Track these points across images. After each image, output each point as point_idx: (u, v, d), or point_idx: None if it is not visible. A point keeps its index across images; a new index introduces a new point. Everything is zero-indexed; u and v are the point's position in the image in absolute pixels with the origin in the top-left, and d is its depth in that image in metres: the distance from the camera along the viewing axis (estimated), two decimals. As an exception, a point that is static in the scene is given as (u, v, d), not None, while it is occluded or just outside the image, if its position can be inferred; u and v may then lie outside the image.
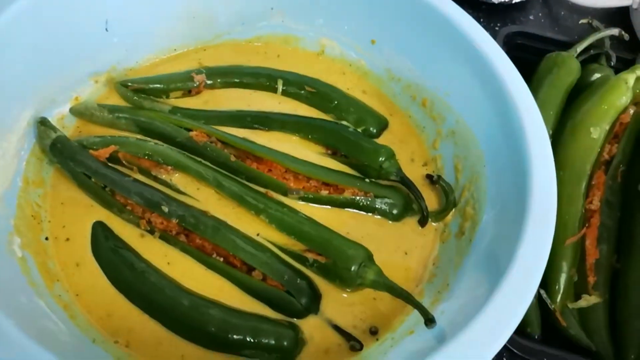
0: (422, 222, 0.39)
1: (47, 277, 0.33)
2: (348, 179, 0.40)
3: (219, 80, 0.45)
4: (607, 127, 0.43)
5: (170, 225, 0.36)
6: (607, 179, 0.43)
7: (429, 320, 0.30)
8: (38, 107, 0.38)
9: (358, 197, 0.39)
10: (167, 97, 0.44)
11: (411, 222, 0.40)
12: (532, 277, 0.29)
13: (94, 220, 0.37)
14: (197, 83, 0.44)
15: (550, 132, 0.44)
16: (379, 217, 0.39)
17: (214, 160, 0.40)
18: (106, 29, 0.42)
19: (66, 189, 0.38)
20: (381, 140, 0.44)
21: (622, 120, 0.44)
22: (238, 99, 0.45)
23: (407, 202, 0.40)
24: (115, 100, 0.44)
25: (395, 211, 0.39)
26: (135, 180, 0.38)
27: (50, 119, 0.39)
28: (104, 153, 0.38)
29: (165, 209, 0.36)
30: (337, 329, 0.34)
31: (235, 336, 0.32)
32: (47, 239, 0.35)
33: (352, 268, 0.34)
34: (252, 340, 0.32)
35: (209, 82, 0.45)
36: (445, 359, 0.26)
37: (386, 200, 0.39)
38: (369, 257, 0.35)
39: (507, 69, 0.39)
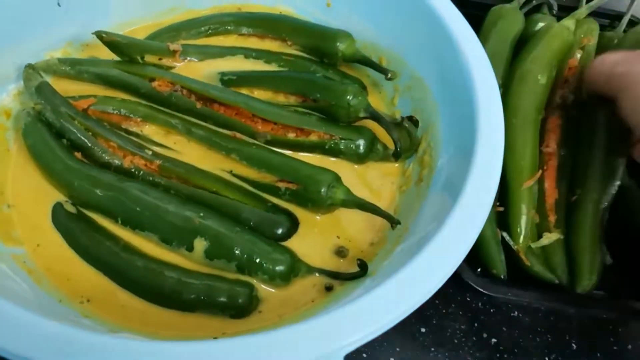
0: (396, 155, 0.41)
1: (11, 244, 0.33)
2: (314, 121, 0.41)
3: (195, 56, 0.46)
4: (554, 73, 0.45)
5: (152, 167, 0.38)
6: (562, 122, 0.45)
7: (394, 223, 0.36)
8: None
9: (324, 139, 0.40)
10: (142, 59, 0.44)
11: (375, 166, 0.42)
12: (481, 203, 0.30)
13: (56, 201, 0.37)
14: (173, 51, 0.45)
15: (500, 82, 0.45)
16: (344, 160, 0.41)
17: (179, 109, 0.42)
18: (58, 4, 0.42)
19: (29, 164, 0.38)
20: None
21: (570, 65, 0.46)
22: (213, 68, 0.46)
23: (371, 143, 0.41)
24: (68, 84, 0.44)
25: (360, 151, 0.40)
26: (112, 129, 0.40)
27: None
28: (83, 103, 0.40)
29: (149, 152, 0.38)
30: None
31: (189, 295, 0.32)
32: (9, 206, 0.36)
33: (322, 190, 0.36)
34: (205, 298, 0.32)
35: (182, 57, 0.45)
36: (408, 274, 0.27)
37: (351, 142, 0.40)
38: (336, 179, 0.37)
39: (458, 22, 0.40)
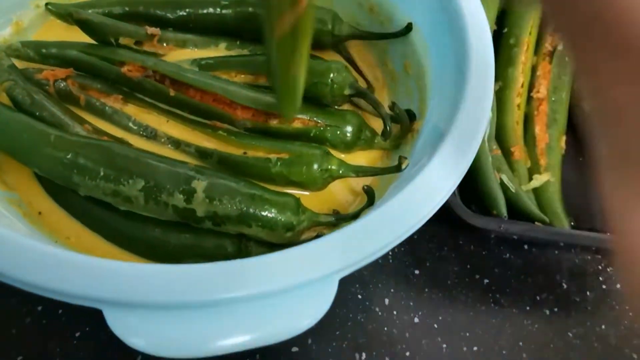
0: (385, 134, 0.38)
1: (4, 188, 0.34)
2: None
3: (174, 42, 0.43)
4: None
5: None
6: (552, 67, 0.45)
7: (402, 168, 0.34)
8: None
9: (308, 126, 0.38)
10: (116, 40, 0.40)
11: (362, 154, 0.40)
12: (475, 131, 0.31)
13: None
14: (151, 34, 0.41)
15: (494, 28, 0.45)
16: (330, 148, 0.38)
17: (153, 95, 0.38)
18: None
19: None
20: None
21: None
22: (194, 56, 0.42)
23: (359, 129, 0.39)
24: (62, 29, 0.43)
25: (348, 138, 0.38)
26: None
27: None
28: (60, 73, 0.38)
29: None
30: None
31: (174, 247, 0.32)
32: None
33: (314, 166, 0.35)
34: (191, 249, 0.32)
35: (160, 42, 0.42)
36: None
37: (337, 128, 0.38)
38: (327, 152, 0.36)
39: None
